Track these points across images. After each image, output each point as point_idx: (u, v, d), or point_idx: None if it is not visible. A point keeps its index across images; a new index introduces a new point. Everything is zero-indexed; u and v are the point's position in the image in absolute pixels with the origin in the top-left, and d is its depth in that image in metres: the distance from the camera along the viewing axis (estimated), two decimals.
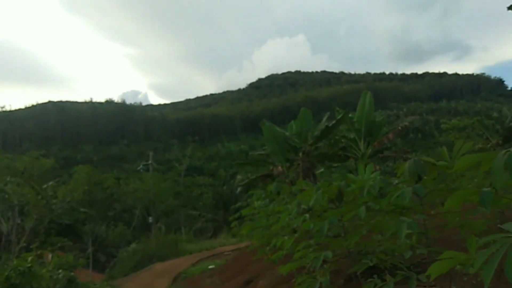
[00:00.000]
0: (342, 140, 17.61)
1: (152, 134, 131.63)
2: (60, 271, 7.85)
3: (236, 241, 24.50)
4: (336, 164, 19.34)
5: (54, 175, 16.02)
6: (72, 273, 8.10)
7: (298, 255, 4.26)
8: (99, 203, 52.51)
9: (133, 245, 18.27)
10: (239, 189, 51.36)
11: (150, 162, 20.25)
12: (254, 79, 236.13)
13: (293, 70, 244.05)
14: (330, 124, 13.26)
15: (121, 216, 46.13)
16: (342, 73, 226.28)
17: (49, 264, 9.13)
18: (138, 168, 20.87)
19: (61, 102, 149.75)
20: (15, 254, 12.93)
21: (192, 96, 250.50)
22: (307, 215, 4.38)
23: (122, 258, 16.95)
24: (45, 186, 13.04)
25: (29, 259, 6.97)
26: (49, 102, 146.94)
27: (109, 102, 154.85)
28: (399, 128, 16.33)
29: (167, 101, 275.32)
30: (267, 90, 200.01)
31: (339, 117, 13.06)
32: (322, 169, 15.54)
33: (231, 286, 9.24)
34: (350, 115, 15.25)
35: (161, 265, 15.58)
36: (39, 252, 16.78)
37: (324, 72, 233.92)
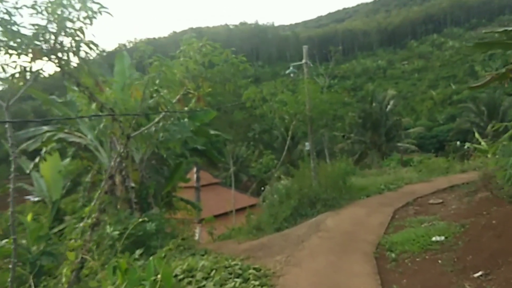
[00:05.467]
0: None
1: (285, 54, 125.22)
2: None
3: (414, 172, 17.08)
4: None
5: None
6: None
7: None
8: (238, 124, 48.95)
9: (284, 181, 12.52)
10: (389, 106, 42.51)
11: (304, 61, 13.39)
12: None
13: None
14: None
15: (261, 137, 41.95)
16: None
17: None
18: (287, 71, 14.36)
19: (199, 28, 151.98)
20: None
21: (323, 13, 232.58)
22: None
23: (272, 202, 11.19)
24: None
25: None
26: (189, 28, 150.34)
27: (243, 24, 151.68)
28: None
29: (299, 20, 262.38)
30: None
31: None
32: None
33: None
34: None
35: (333, 220, 9.35)
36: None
37: None
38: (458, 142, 46.32)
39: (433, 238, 7.20)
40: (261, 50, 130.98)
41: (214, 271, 6.10)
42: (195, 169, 29.71)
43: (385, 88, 79.26)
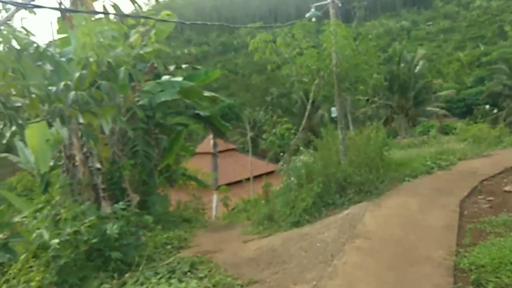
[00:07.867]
0: None
1: (305, 15, 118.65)
2: None
3: (459, 142, 14.02)
4: None
5: None
6: None
7: None
8: (256, 87, 45.40)
9: (304, 155, 9.62)
10: (418, 67, 38.45)
11: None
12: None
13: None
14: None
15: (279, 102, 38.99)
16: None
17: None
18: (307, 14, 11.20)
19: None
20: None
21: None
22: None
23: (288, 185, 8.38)
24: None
25: None
26: None
27: None
28: None
29: None
30: None
31: None
32: None
33: None
34: None
35: (374, 218, 6.47)
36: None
37: None
38: (487, 106, 42.28)
39: None
40: (279, 10, 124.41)
41: None
42: (211, 135, 27.44)
43: (409, 50, 73.92)
